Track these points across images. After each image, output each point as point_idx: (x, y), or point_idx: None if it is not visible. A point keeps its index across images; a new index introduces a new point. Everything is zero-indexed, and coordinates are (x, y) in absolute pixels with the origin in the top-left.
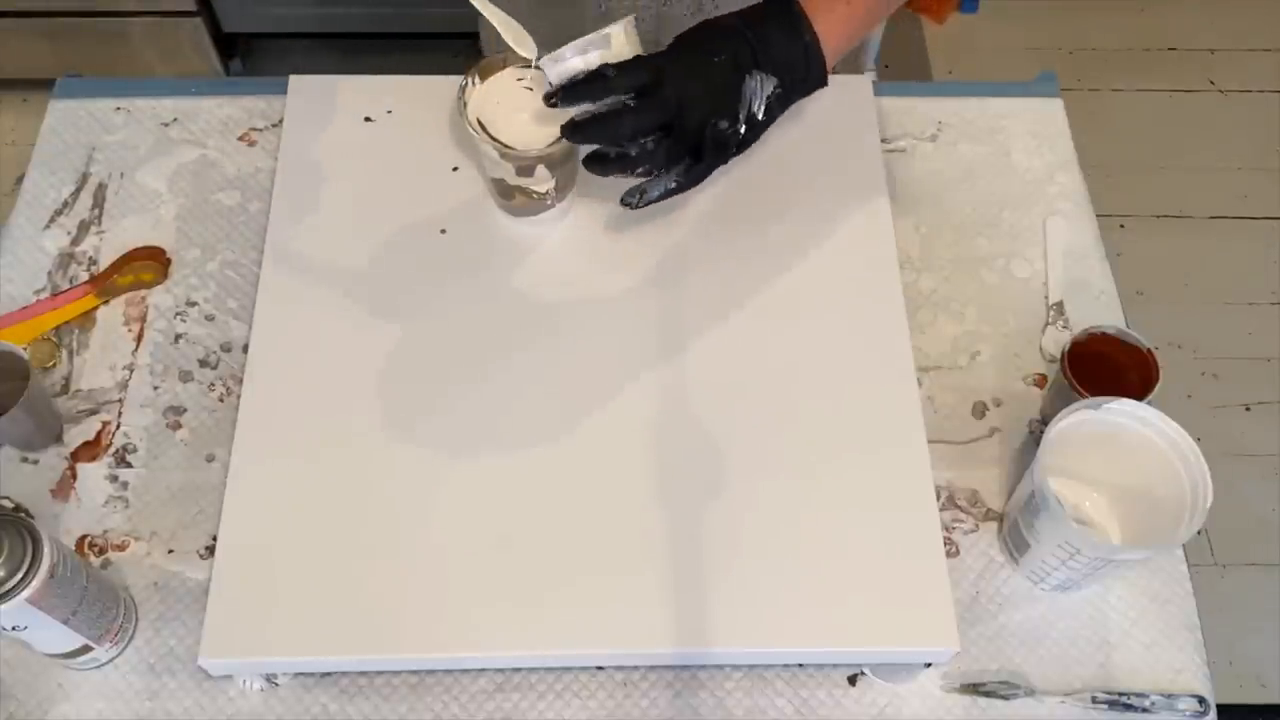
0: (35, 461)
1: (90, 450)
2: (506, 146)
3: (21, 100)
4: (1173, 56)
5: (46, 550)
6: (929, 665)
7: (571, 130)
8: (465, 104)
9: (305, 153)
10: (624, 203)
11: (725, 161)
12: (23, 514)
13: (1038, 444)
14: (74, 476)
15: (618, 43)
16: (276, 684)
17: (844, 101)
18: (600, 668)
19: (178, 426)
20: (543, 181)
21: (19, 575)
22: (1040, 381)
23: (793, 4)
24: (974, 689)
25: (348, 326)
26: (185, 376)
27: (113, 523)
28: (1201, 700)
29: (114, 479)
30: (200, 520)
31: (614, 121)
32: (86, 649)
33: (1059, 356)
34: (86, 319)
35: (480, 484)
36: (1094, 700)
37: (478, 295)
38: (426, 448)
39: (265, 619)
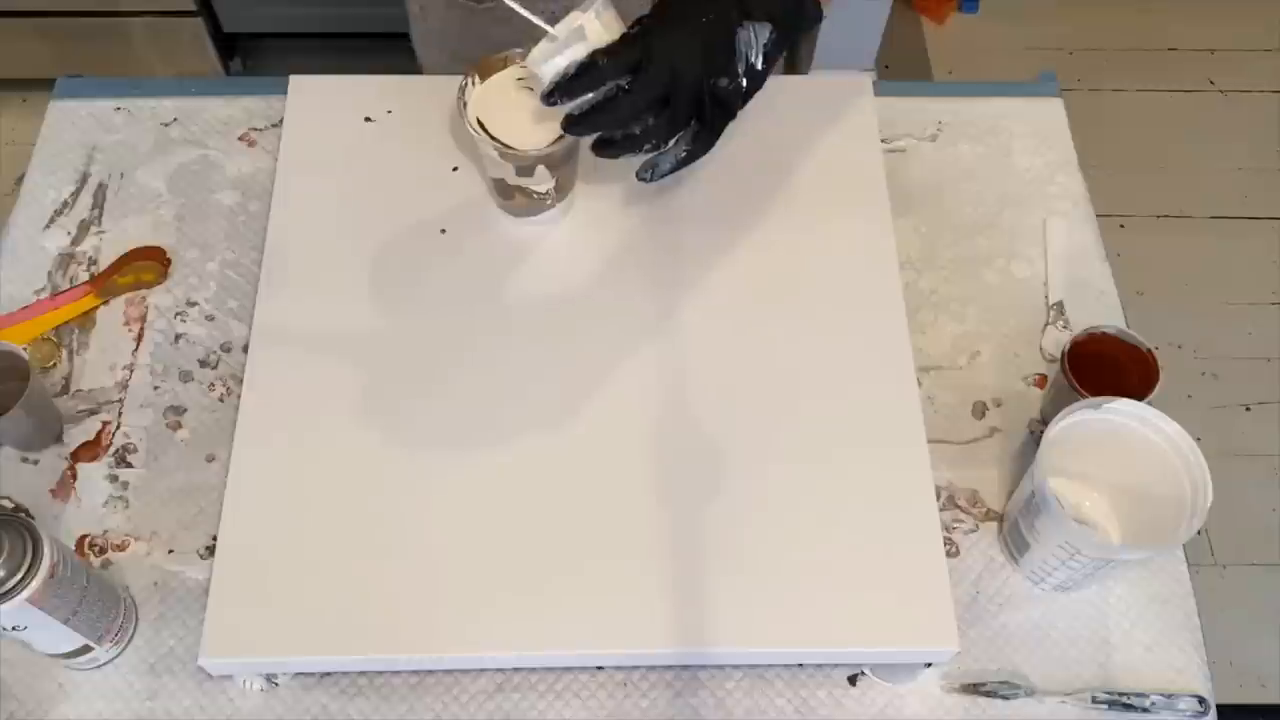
0: (35, 461)
1: (90, 450)
2: (506, 146)
3: (21, 100)
4: (1173, 56)
5: (46, 550)
6: (929, 665)
7: (571, 125)
8: (465, 104)
9: (305, 153)
10: (639, 178)
11: (733, 117)
12: (23, 514)
13: (1038, 444)
14: (74, 476)
15: (594, 30)
16: (276, 684)
17: (844, 101)
18: (600, 668)
19: (178, 426)
20: (543, 181)
21: (19, 575)
22: (1040, 381)
23: None
24: (974, 689)
25: (347, 327)
26: (185, 376)
27: (113, 523)
28: (1201, 700)
29: (114, 479)
30: (200, 520)
31: (611, 108)
32: (86, 649)
33: (1059, 356)
34: (86, 319)
35: (480, 483)
36: (1094, 700)
37: (478, 295)
38: (426, 448)
39: (265, 619)
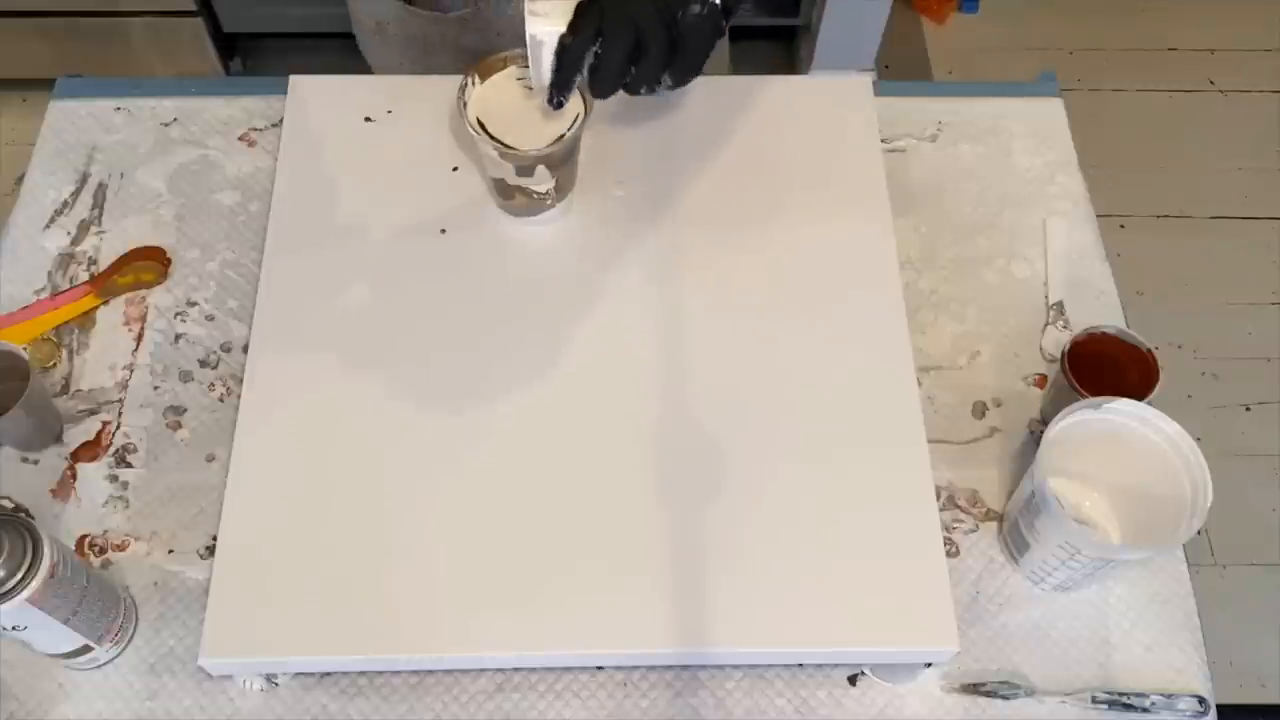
0: (35, 461)
1: (90, 450)
2: (506, 146)
3: (21, 100)
4: (1173, 56)
5: (46, 550)
6: (929, 665)
7: (555, 106)
8: (465, 104)
9: (305, 153)
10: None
11: (722, 34)
12: (23, 514)
13: (1038, 444)
14: (74, 476)
15: (542, 28)
16: (276, 684)
17: (844, 101)
18: (600, 668)
19: (178, 426)
20: (543, 181)
21: (19, 575)
22: (1040, 381)
23: None
24: (974, 689)
25: (347, 326)
26: (185, 376)
27: (113, 523)
28: (1201, 700)
29: (114, 479)
30: (200, 520)
31: (597, 77)
32: (86, 649)
33: (1059, 356)
34: (86, 319)
35: (480, 484)
36: (1094, 700)
37: (478, 295)
38: (426, 447)
39: (265, 619)
